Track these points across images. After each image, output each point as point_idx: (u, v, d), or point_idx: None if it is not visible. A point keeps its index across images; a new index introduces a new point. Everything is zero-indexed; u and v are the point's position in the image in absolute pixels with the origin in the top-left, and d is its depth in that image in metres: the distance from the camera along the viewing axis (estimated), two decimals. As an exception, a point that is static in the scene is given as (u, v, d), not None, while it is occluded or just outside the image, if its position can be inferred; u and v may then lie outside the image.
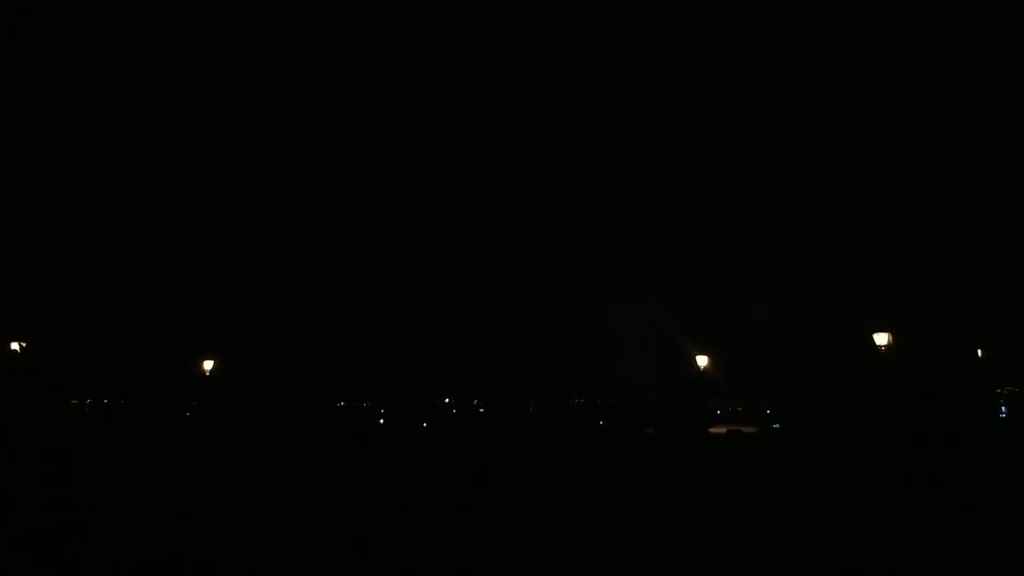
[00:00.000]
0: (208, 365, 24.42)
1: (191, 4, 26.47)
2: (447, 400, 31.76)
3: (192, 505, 7.62)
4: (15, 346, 20.19)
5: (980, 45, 20.61)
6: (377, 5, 30.40)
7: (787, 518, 6.98)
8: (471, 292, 30.09)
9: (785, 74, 25.14)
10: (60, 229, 24.97)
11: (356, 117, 32.49)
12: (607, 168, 31.70)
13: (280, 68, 29.82)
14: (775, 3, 24.87)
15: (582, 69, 30.30)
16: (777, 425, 17.62)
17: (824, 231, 24.34)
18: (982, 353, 19.29)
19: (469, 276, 30.26)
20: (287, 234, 30.52)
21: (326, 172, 31.93)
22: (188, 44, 26.33)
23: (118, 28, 24.20)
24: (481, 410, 28.99)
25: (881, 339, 19.07)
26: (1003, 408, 17.63)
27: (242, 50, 28.43)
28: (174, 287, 28.48)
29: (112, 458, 10.85)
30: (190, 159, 28.63)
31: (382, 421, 26.53)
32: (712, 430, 16.75)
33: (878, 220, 22.75)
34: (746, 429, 17.08)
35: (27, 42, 21.38)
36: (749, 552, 6.08)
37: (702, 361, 23.96)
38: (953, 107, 21.36)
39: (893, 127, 21.24)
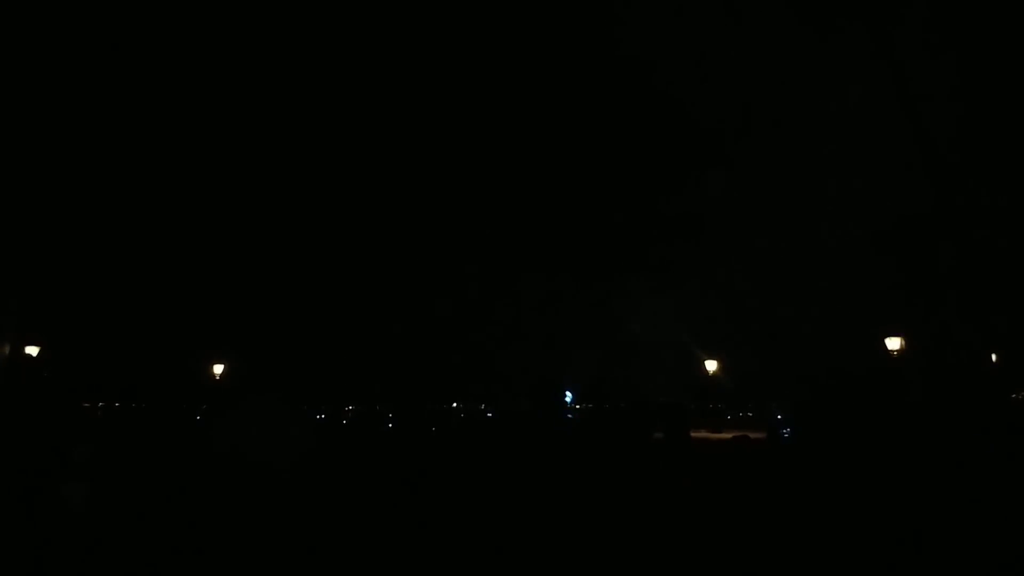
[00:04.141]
0: (219, 369, 24.60)
1: (191, 4, 26.74)
2: (455, 404, 31.78)
3: (195, 509, 7.65)
4: (29, 350, 20.44)
5: (993, 47, 20.39)
6: (377, 7, 30.57)
7: (788, 528, 6.90)
8: (476, 296, 30.12)
9: (796, 76, 25.01)
10: (72, 234, 25.29)
11: (363, 121, 32.68)
12: (618, 174, 31.67)
13: (280, 70, 30.06)
14: (786, 6, 24.76)
15: (595, 77, 30.32)
16: (787, 431, 17.41)
17: (835, 234, 24.16)
18: (996, 359, 19.00)
19: (476, 280, 30.29)
20: (299, 240, 30.73)
21: (336, 177, 32.12)
22: (188, 47, 26.59)
23: (118, 28, 24.48)
24: (489, 415, 28.98)
25: (893, 344, 18.83)
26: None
27: (243, 53, 28.69)
28: (186, 291, 28.75)
29: (121, 461, 10.93)
30: (201, 166, 28.92)
31: (390, 425, 26.55)
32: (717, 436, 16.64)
33: (890, 223, 22.53)
34: (713, 435, 16.90)
35: (27, 43, 21.65)
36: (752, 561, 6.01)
37: (711, 366, 23.83)
38: (967, 109, 21.13)
39: (905, 128, 21.03)
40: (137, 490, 8.55)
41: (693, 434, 13.57)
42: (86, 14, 23.54)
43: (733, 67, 26.73)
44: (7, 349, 20.19)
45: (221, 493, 7.75)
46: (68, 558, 6.09)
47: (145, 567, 5.98)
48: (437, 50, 31.32)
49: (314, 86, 31.05)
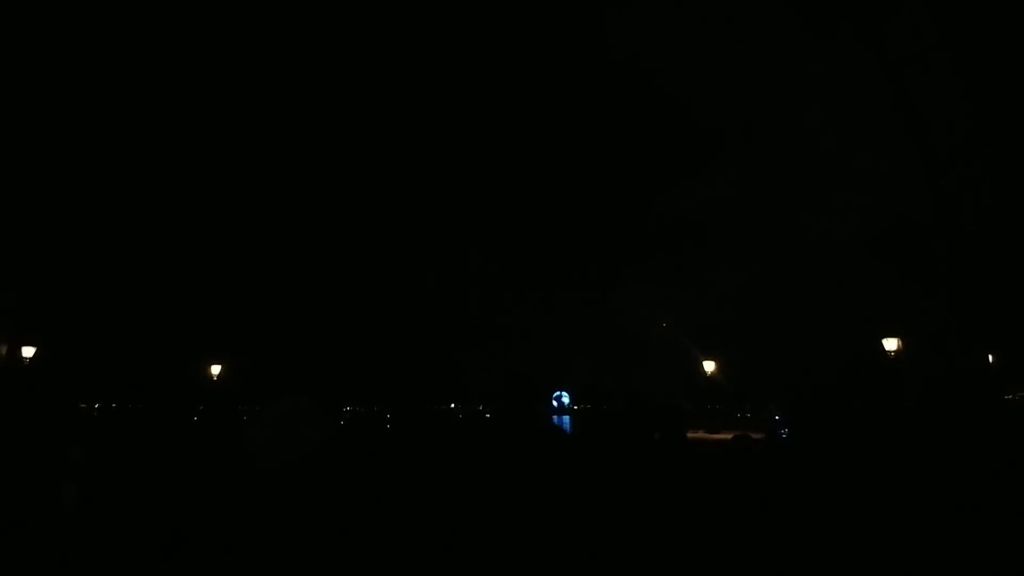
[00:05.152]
0: (216, 370, 24.58)
1: (191, 4, 26.76)
2: (452, 406, 31.79)
3: (201, 509, 7.64)
4: (25, 351, 20.39)
5: (989, 46, 20.43)
6: (376, 10, 30.58)
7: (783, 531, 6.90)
8: (475, 298, 30.11)
9: (793, 79, 25.06)
10: (70, 234, 25.26)
11: (362, 124, 32.67)
12: (616, 175, 31.71)
13: (280, 70, 30.07)
14: (782, 8, 24.81)
15: (594, 78, 30.37)
16: (785, 431, 17.43)
17: (833, 235, 24.19)
18: (993, 359, 19.04)
19: (476, 285, 30.29)
20: (298, 242, 30.72)
21: (339, 181, 32.13)
22: (188, 47, 26.58)
23: (118, 28, 24.48)
24: (487, 416, 28.97)
25: (891, 344, 18.85)
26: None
27: (243, 53, 28.69)
28: (183, 293, 28.72)
29: (121, 462, 10.92)
30: (202, 167, 28.90)
31: (389, 426, 26.54)
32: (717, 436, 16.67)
33: (887, 224, 22.57)
34: (711, 436, 16.96)
35: (27, 42, 21.64)
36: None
37: (709, 367, 23.84)
38: (963, 110, 21.16)
39: (902, 130, 21.08)
40: (133, 491, 8.54)
41: (691, 435, 13.59)
42: (86, 14, 23.54)
43: (731, 69, 26.80)
44: (4, 349, 20.15)
45: (222, 493, 7.77)
46: (67, 558, 6.08)
47: (142, 567, 5.96)
48: (437, 53, 31.35)
49: (314, 88, 31.09)
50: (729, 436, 12.35)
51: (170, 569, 5.88)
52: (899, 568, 5.84)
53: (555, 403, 38.22)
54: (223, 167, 29.38)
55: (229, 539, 6.47)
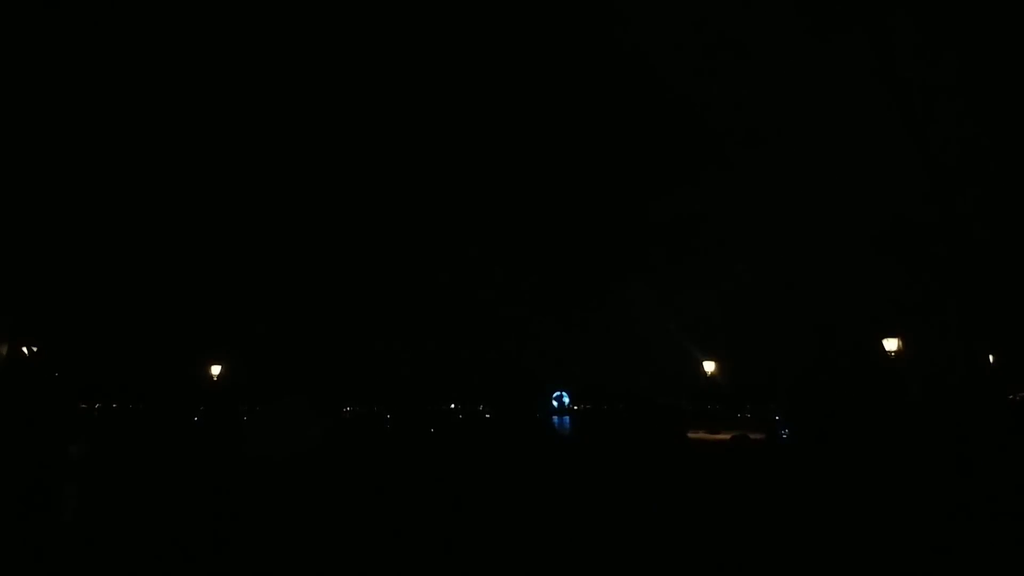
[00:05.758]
0: (216, 370, 24.56)
1: (191, 4, 26.76)
2: (452, 406, 31.78)
3: (203, 508, 7.64)
4: (26, 350, 20.37)
5: (990, 47, 20.42)
6: (378, 6, 30.57)
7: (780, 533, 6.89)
8: (477, 302, 30.11)
9: (797, 78, 25.06)
10: (71, 234, 25.26)
11: (363, 122, 32.67)
12: (617, 175, 31.71)
13: (281, 70, 30.07)
14: (786, 9, 24.81)
15: (597, 78, 30.37)
16: (785, 432, 17.43)
17: (834, 235, 24.20)
18: (994, 359, 19.02)
19: (476, 287, 30.29)
20: (298, 242, 30.72)
21: (340, 181, 32.13)
22: (188, 47, 26.59)
23: (118, 28, 24.49)
24: (488, 416, 28.99)
25: (891, 345, 18.82)
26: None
27: (243, 53, 28.70)
28: (183, 293, 28.72)
29: (121, 462, 10.93)
30: (202, 167, 28.91)
31: (388, 426, 26.55)
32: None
33: (888, 224, 22.56)
34: (711, 436, 16.95)
35: (27, 42, 21.65)
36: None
37: (709, 367, 23.80)
38: (965, 110, 21.16)
39: (903, 131, 21.07)
40: (132, 489, 8.54)
41: (691, 435, 13.60)
42: (86, 14, 23.55)
43: (734, 70, 26.79)
44: (5, 349, 20.13)
45: (222, 491, 7.78)
46: (66, 557, 6.08)
47: (142, 566, 5.96)
48: (439, 51, 31.35)
49: (314, 86, 31.09)
50: (729, 436, 12.35)
51: (170, 568, 5.88)
52: (900, 567, 5.83)
53: (555, 403, 38.31)
54: (223, 167, 29.40)
55: (229, 537, 6.47)
